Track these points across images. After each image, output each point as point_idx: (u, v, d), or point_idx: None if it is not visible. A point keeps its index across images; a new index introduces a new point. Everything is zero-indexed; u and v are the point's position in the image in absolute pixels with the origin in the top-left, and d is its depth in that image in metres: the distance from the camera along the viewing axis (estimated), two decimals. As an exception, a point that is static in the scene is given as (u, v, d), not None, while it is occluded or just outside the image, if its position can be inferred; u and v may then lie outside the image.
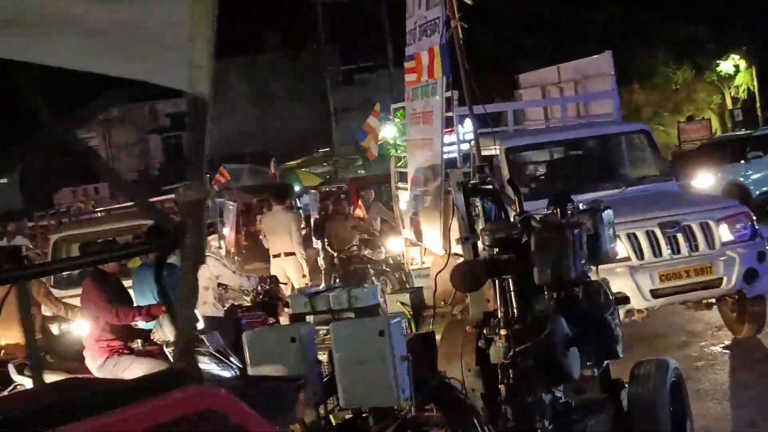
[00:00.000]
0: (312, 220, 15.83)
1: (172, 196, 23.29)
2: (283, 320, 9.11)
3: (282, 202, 12.39)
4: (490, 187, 5.79)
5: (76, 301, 8.13)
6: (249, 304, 9.03)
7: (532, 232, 5.00)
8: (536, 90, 13.92)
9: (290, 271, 11.84)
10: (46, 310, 8.58)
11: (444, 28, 9.40)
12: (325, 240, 13.82)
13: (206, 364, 7.00)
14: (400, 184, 11.97)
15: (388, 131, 35.03)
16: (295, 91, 47.85)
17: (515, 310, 5.04)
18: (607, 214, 5.45)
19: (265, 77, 48.91)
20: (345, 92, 43.90)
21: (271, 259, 12.13)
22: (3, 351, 8.08)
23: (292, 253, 11.85)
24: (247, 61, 49.33)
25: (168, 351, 6.99)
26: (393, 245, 13.20)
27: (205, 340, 7.04)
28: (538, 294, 5.05)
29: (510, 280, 5.04)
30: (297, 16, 45.20)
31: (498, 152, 9.80)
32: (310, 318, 7.07)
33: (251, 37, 48.64)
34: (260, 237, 16.72)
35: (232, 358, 7.19)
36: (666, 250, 8.65)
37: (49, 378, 6.99)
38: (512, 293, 5.04)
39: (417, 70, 10.23)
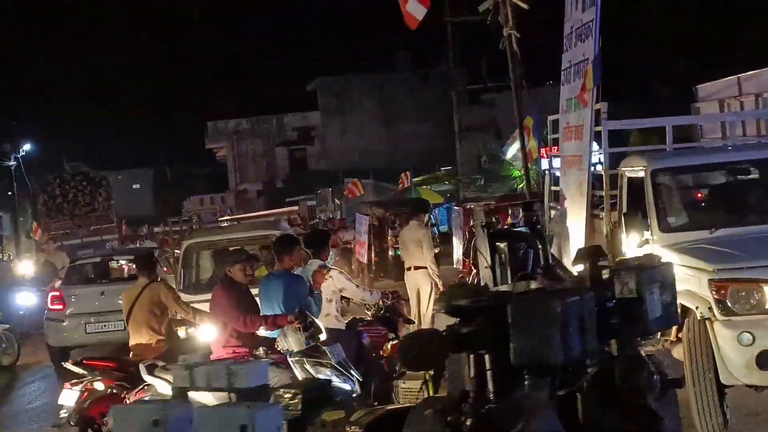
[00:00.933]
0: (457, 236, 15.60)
1: (296, 207, 23.77)
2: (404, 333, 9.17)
3: (418, 217, 12.58)
4: (522, 230, 5.02)
5: (203, 307, 8.33)
6: (370, 319, 9.08)
7: (510, 299, 3.90)
8: (715, 104, 13.20)
9: (420, 283, 12.03)
10: (174, 314, 8.80)
11: (598, 34, 9.13)
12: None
13: (327, 376, 7.06)
14: (553, 204, 11.72)
15: (512, 151, 34.90)
16: (421, 110, 48.10)
17: (491, 394, 3.86)
18: (661, 272, 4.43)
19: (393, 95, 49.34)
20: (470, 112, 43.84)
21: (405, 272, 12.37)
22: (132, 352, 8.35)
23: (423, 267, 12.01)
24: (376, 79, 49.88)
25: (291, 360, 7.08)
26: None
27: (327, 351, 7.10)
28: (520, 375, 3.92)
29: (487, 356, 3.88)
30: (427, 35, 45.48)
31: (643, 174, 8.54)
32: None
33: (381, 56, 49.23)
34: (390, 253, 16.65)
35: (352, 371, 7.23)
36: None
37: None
38: (489, 372, 3.87)
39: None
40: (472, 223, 13.84)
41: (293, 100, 52.51)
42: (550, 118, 13.43)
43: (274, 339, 7.57)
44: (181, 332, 9.38)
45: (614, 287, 4.26)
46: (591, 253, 4.40)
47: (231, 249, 9.58)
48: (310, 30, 77.46)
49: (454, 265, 15.65)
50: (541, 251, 6.35)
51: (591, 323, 3.91)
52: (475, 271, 12.55)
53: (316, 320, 7.38)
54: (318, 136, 50.96)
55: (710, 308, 6.81)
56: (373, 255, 15.85)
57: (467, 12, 38.52)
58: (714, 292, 6.78)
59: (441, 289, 11.90)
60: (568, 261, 9.32)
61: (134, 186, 69.92)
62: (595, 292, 4.07)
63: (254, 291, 8.07)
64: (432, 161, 41.85)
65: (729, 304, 6.68)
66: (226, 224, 17.39)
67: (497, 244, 5.09)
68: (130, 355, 8.28)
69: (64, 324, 13.66)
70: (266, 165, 51.74)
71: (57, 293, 14.21)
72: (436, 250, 20.11)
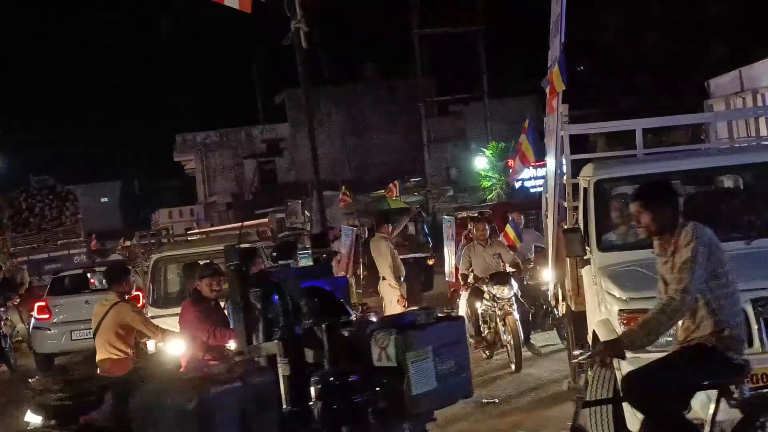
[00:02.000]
0: (448, 246, 15.13)
1: (266, 220, 23.70)
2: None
3: (381, 228, 12.60)
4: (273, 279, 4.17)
5: (173, 320, 8.30)
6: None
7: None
8: (723, 101, 12.12)
9: (384, 293, 12.09)
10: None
11: (563, 30, 8.41)
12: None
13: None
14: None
15: (479, 162, 35.10)
16: (389, 121, 48.21)
17: None
18: (438, 332, 3.67)
19: (361, 107, 49.42)
20: (439, 123, 44.04)
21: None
22: (99, 368, 8.30)
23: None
24: (344, 91, 49.92)
25: (261, 374, 7.08)
26: (546, 276, 11.39)
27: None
28: None
29: None
30: (394, 47, 45.65)
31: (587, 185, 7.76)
32: None
33: (349, 67, 49.28)
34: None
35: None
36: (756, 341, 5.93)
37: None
38: None
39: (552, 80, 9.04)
40: (464, 233, 13.66)
41: (261, 113, 52.41)
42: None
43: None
44: (150, 346, 9.33)
45: (371, 352, 3.41)
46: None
47: (200, 262, 9.54)
48: (278, 42, 77.35)
49: (446, 278, 15.48)
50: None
51: (270, 417, 2.98)
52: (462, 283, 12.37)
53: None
54: (287, 149, 50.89)
55: None
56: (361, 269, 15.33)
57: (435, 23, 38.90)
58: (622, 325, 5.98)
59: (404, 301, 11.94)
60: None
61: (102, 199, 69.39)
62: (332, 359, 3.28)
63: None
64: (401, 172, 41.97)
65: None
66: (195, 237, 17.27)
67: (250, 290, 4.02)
68: (98, 371, 8.23)
69: (51, 332, 14.60)
70: (235, 177, 51.58)
71: (43, 303, 15.08)
72: (430, 262, 20.10)
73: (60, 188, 30.53)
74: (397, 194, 25.97)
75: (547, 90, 9.04)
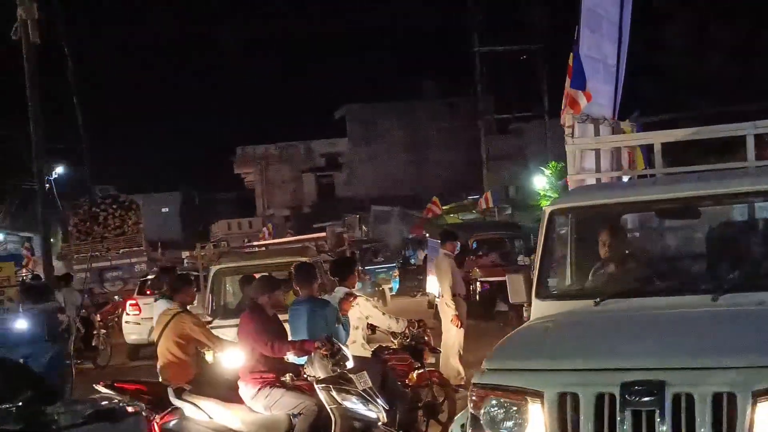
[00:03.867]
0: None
1: (323, 234, 23.88)
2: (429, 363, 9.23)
3: (446, 246, 12.52)
4: None
5: (231, 332, 8.43)
6: (395, 347, 9.13)
7: None
8: None
9: (443, 312, 12.07)
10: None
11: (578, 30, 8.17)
12: None
13: (353, 404, 7.13)
14: None
15: (538, 181, 34.92)
16: (448, 138, 48.25)
17: None
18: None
19: (421, 123, 49.56)
20: (498, 141, 43.93)
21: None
22: (161, 376, 8.46)
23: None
24: (404, 107, 50.13)
25: (317, 387, 7.16)
26: None
27: (353, 379, 7.17)
28: None
29: None
30: (455, 65, 45.75)
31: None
32: None
33: (409, 84, 49.53)
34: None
35: (378, 399, 7.29)
36: None
37: (203, 404, 7.31)
38: None
39: None
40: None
41: (321, 127, 52.95)
42: None
43: (301, 365, 7.65)
44: (209, 356, 9.47)
45: None
46: None
47: (258, 275, 9.67)
48: (338, 58, 78.06)
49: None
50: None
51: None
52: None
53: (343, 347, 7.45)
54: (345, 163, 51.21)
55: (463, 425, 5.03)
56: None
57: (495, 41, 38.90)
58: (471, 402, 4.80)
59: (457, 321, 11.90)
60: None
61: (162, 209, 70.45)
62: None
63: (284, 316, 8.18)
64: (458, 190, 41.93)
65: (481, 421, 4.69)
66: (254, 249, 17.49)
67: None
68: (160, 379, 8.39)
69: (140, 326, 17.33)
70: (293, 191, 52.02)
71: (134, 301, 18.54)
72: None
73: (123, 198, 31.06)
74: (439, 212, 25.52)
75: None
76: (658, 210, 6.36)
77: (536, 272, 6.00)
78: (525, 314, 6.16)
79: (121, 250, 28.51)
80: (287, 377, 7.44)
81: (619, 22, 9.52)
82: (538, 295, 5.88)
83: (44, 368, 10.42)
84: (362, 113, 50.72)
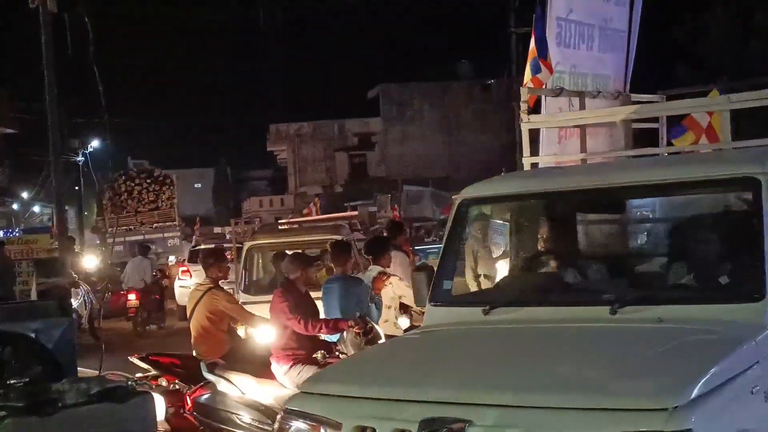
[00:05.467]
0: None
1: (356, 213, 23.88)
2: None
3: None
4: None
5: (264, 308, 8.47)
6: (427, 328, 9.12)
7: None
8: None
9: None
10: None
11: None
12: None
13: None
14: None
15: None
16: (482, 121, 47.99)
17: None
18: None
19: (454, 105, 49.34)
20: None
21: None
22: (195, 350, 8.53)
23: None
24: (438, 88, 49.91)
25: (349, 365, 7.18)
26: None
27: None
28: None
29: None
30: (490, 45, 45.44)
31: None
32: None
33: (444, 65, 49.30)
34: None
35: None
36: None
37: (236, 379, 7.34)
38: None
39: None
40: None
41: (355, 106, 52.86)
42: None
43: (334, 343, 7.67)
44: (240, 331, 9.53)
45: None
46: None
47: (291, 252, 9.70)
48: (373, 37, 77.88)
49: None
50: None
51: None
52: None
53: (376, 326, 7.45)
54: (378, 143, 51.15)
55: None
56: None
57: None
58: (276, 426, 4.48)
59: None
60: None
61: (196, 185, 70.88)
62: None
63: (316, 294, 8.20)
64: (492, 172, 41.71)
65: None
66: (287, 227, 17.57)
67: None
68: (194, 353, 8.46)
69: (189, 290, 18.76)
70: (326, 169, 52.06)
71: (185, 268, 21.53)
72: None
73: (158, 172, 31.28)
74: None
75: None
76: (571, 202, 5.58)
77: (439, 274, 5.33)
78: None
79: (155, 225, 28.75)
80: (319, 354, 7.45)
81: None
82: (431, 300, 5.25)
83: (54, 343, 10.50)
84: (396, 93, 50.57)
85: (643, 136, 8.90)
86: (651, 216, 6.30)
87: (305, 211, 30.07)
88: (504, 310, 4.89)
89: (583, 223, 6.03)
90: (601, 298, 4.75)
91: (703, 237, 4.98)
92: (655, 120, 8.38)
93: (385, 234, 11.00)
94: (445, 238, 5.56)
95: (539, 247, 5.68)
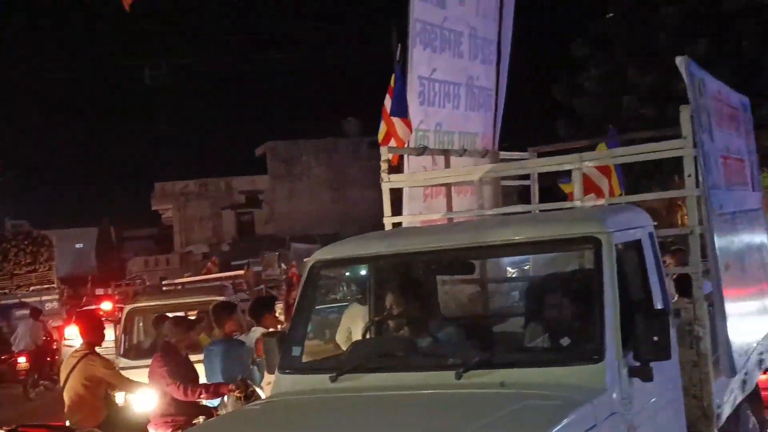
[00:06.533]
0: None
1: (242, 272, 23.57)
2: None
3: None
4: None
5: (144, 372, 8.19)
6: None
7: None
8: None
9: None
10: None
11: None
12: None
13: None
14: None
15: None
16: (370, 177, 48.39)
17: None
18: None
19: (343, 162, 49.63)
20: (418, 180, 44.20)
21: None
22: (68, 420, 8.16)
23: None
24: (326, 145, 50.18)
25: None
26: None
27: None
28: None
29: None
30: (377, 102, 46.06)
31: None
32: None
33: (332, 122, 49.63)
34: None
35: None
36: None
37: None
38: None
39: None
40: None
41: (242, 164, 52.57)
42: None
43: (215, 408, 7.47)
44: (119, 398, 9.20)
45: None
46: None
47: (172, 315, 9.46)
48: (260, 95, 77.95)
49: None
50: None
51: None
52: None
53: (258, 389, 7.30)
54: (266, 201, 50.91)
55: None
56: None
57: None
58: None
59: None
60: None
61: (77, 245, 68.82)
62: None
63: (199, 356, 7.99)
64: (380, 228, 41.99)
65: None
66: (170, 288, 17.17)
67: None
68: (67, 423, 8.09)
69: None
70: (212, 227, 51.42)
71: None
72: None
73: (36, 233, 30.35)
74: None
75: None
76: (420, 264, 5.51)
77: (287, 338, 5.21)
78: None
79: (32, 288, 27.80)
80: (200, 420, 7.25)
81: (498, 44, 8.71)
82: (280, 367, 5.08)
83: None
84: (284, 150, 50.57)
85: (526, 193, 9.01)
86: (509, 276, 6.39)
87: (204, 270, 29.74)
88: (352, 377, 4.75)
89: (438, 284, 5.98)
90: (447, 362, 4.67)
91: (552, 298, 5.01)
92: (528, 177, 8.54)
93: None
94: (296, 302, 5.37)
95: (393, 310, 5.53)
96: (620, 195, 8.44)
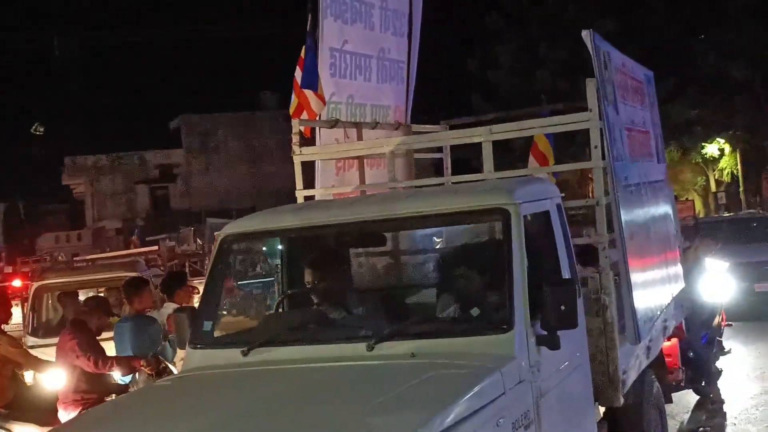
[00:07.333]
0: None
1: (156, 247, 23.23)
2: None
3: None
4: None
5: (52, 351, 8.03)
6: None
7: None
8: None
9: None
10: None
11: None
12: None
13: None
14: None
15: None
16: (287, 150, 47.98)
17: None
18: None
19: (259, 135, 49.19)
20: (335, 153, 44.13)
21: None
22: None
23: None
24: (242, 118, 49.64)
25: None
26: None
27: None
28: None
29: None
30: (292, 75, 45.69)
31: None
32: None
33: (249, 95, 49.07)
34: None
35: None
36: None
37: (19, 430, 6.91)
38: None
39: None
40: None
41: (156, 138, 51.62)
42: None
43: (126, 384, 7.36)
44: (28, 377, 8.99)
45: None
46: None
47: (82, 292, 9.28)
48: (174, 67, 76.55)
49: None
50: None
51: None
52: None
53: (170, 365, 7.22)
54: (180, 175, 50.16)
55: None
56: None
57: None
58: None
59: None
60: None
61: (-17, 222, 66.76)
62: None
63: (108, 334, 7.87)
64: (295, 201, 41.83)
65: None
66: (81, 264, 16.81)
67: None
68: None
69: None
70: (126, 202, 50.49)
71: None
72: None
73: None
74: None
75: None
76: (329, 237, 5.51)
77: (198, 313, 5.19)
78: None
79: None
80: (112, 397, 7.14)
81: (409, 16, 8.69)
82: (190, 342, 5.04)
83: None
84: (199, 123, 49.87)
85: (442, 167, 9.07)
86: (421, 248, 6.43)
87: (131, 245, 29.23)
88: (263, 351, 4.73)
89: (352, 257, 6.00)
90: (359, 334, 4.69)
91: (462, 269, 5.05)
92: (440, 150, 8.60)
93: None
94: (206, 276, 5.35)
95: (304, 283, 5.48)
96: (552, 165, 8.70)
